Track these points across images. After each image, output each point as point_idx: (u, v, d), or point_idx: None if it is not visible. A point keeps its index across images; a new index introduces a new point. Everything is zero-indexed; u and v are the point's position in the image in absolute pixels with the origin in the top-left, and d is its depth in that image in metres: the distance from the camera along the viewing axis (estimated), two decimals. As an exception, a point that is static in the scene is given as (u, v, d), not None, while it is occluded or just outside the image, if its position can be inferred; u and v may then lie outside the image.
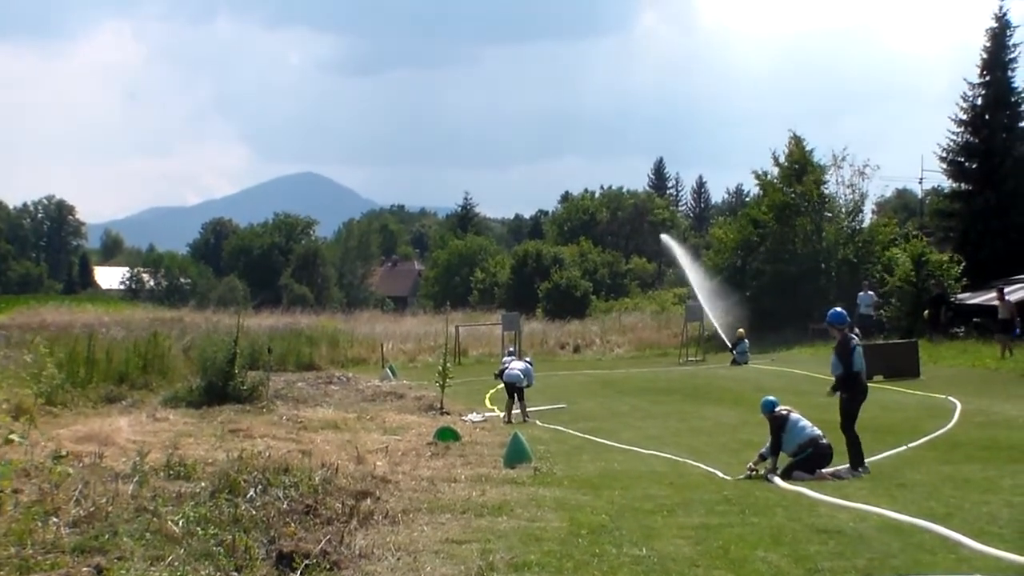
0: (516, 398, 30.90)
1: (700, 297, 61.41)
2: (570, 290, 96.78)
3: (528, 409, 31.83)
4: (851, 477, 19.03)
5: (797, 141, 67.98)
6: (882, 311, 55.44)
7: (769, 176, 68.67)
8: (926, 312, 53.19)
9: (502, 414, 31.25)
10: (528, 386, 31.47)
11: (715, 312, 60.11)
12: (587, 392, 39.49)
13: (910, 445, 22.46)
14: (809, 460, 19.16)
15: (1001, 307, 45.40)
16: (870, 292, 54.23)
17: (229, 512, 13.46)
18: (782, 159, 68.12)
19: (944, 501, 15.59)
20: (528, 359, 35.11)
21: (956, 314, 53.89)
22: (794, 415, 19.87)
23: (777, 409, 20.02)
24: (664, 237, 76.80)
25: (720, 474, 19.75)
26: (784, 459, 19.44)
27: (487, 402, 35.05)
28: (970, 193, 72.71)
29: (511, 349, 50.85)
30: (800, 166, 66.38)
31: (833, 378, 20.87)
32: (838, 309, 21.36)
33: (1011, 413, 27.53)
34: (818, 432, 19.67)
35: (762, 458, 19.55)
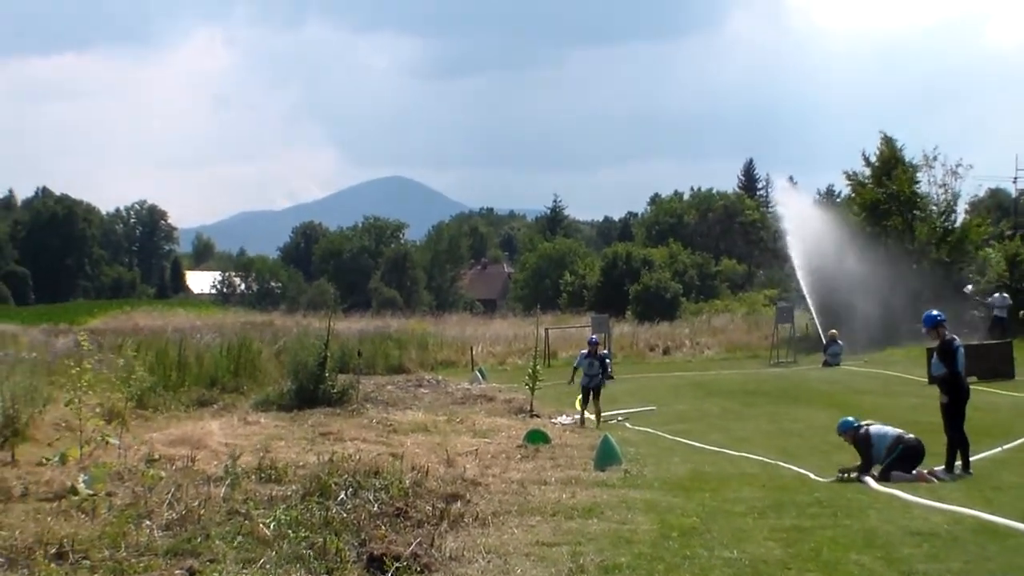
0: (592, 398, 30.93)
1: (803, 284, 61.42)
2: (660, 292, 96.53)
3: (619, 412, 31.80)
4: (947, 478, 18.82)
5: (888, 141, 67.34)
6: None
7: (860, 176, 68.12)
8: (1021, 312, 52.72)
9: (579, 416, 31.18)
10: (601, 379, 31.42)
11: (814, 303, 60.11)
12: (677, 394, 39.35)
13: (1005, 447, 22.16)
14: (903, 459, 18.94)
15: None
16: (1004, 295, 53.66)
17: (320, 515, 13.53)
18: (873, 159, 67.53)
19: (1040, 503, 15.41)
20: (605, 352, 35.04)
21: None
22: (874, 427, 19.69)
23: (858, 426, 19.84)
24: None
25: (812, 476, 19.60)
26: (877, 467, 19.26)
27: (577, 405, 34.93)
28: (1066, 192, 72.00)
29: (606, 352, 50.97)
30: (891, 165, 65.76)
31: (929, 380, 20.70)
32: (932, 312, 21.10)
33: (1108, 415, 27.20)
34: (900, 431, 19.50)
35: (860, 479, 19.25)
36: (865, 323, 59.09)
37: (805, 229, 65.48)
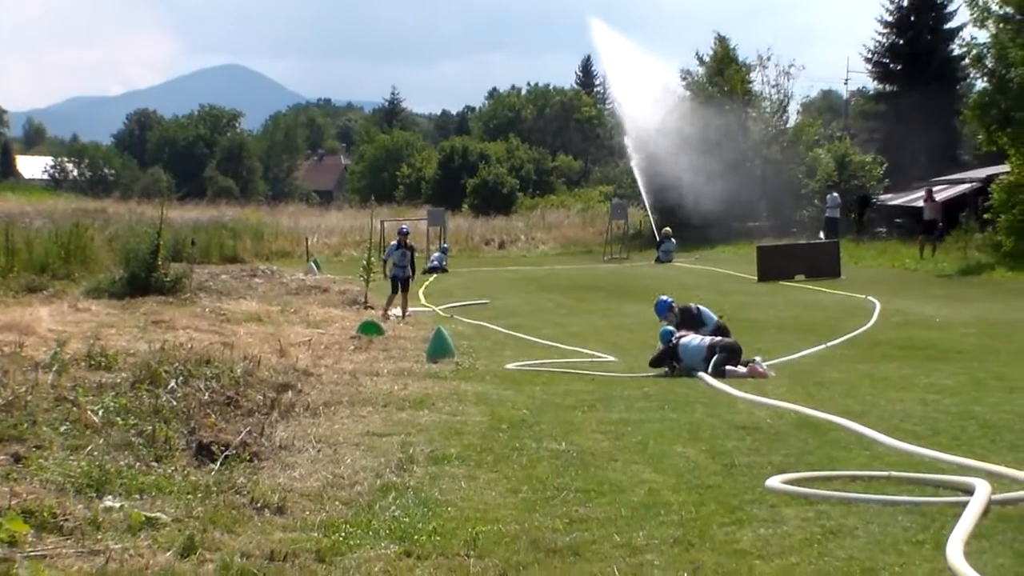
0: (400, 290, 30.45)
1: (638, 176, 62.02)
2: (496, 186, 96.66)
3: (453, 305, 31.89)
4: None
5: (722, 41, 67.91)
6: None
7: (695, 76, 68.67)
8: (852, 214, 53.76)
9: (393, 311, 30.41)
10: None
11: (649, 199, 60.73)
12: (511, 288, 39.58)
13: (829, 344, 22.61)
14: (723, 356, 19.12)
15: (928, 207, 45.89)
16: (835, 194, 54.46)
17: (150, 403, 13.42)
18: (706, 58, 68.05)
19: (860, 399, 15.78)
20: (445, 245, 34.73)
21: (878, 215, 54.50)
22: (684, 340, 19.81)
23: (672, 338, 19.96)
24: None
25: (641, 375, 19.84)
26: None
27: (421, 297, 34.92)
28: (895, 95, 73.25)
29: (445, 246, 51.01)
30: (724, 65, 66.34)
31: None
32: (665, 327, 21.01)
33: (927, 313, 27.89)
34: (709, 339, 19.72)
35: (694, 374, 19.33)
36: (698, 221, 59.83)
37: (641, 125, 65.96)
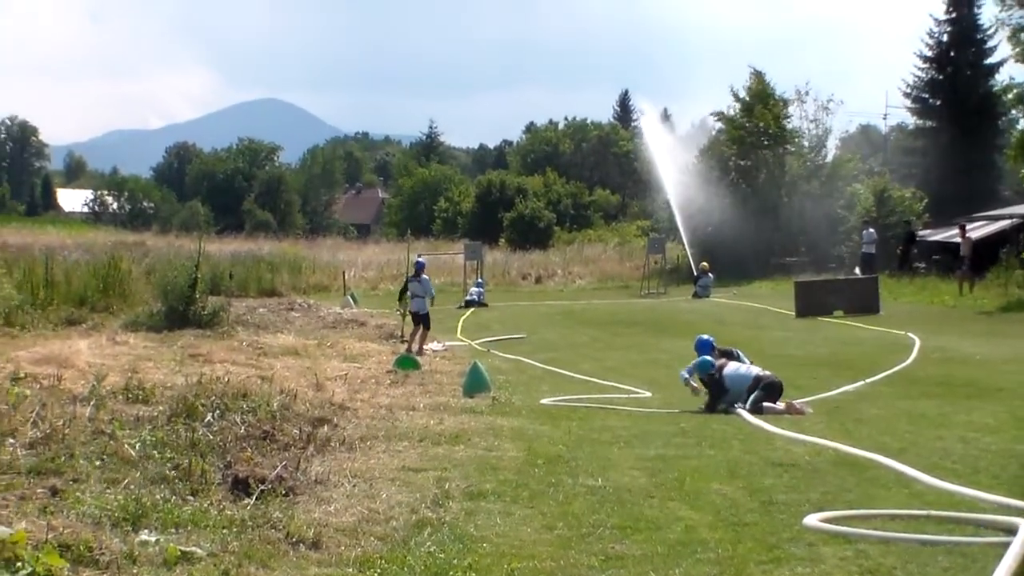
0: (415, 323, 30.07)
1: (676, 215, 62.00)
2: (533, 221, 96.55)
3: (489, 339, 31.87)
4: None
5: (758, 76, 67.77)
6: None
7: (730, 111, 68.57)
8: (899, 249, 53.62)
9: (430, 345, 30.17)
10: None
11: (687, 234, 60.64)
12: (548, 323, 39.54)
13: (868, 380, 22.51)
14: (765, 393, 19.02)
15: (963, 244, 45.69)
16: (871, 230, 54.31)
17: (186, 436, 13.45)
18: (742, 94, 67.90)
19: (899, 436, 15.66)
20: (480, 280, 34.47)
21: (918, 250, 54.31)
22: (728, 369, 19.72)
23: (712, 371, 19.83)
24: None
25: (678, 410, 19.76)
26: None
27: (458, 332, 34.90)
28: (934, 130, 73.01)
29: (480, 280, 51.01)
30: (761, 100, 66.17)
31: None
32: (706, 358, 20.71)
33: (967, 350, 27.69)
34: (757, 370, 19.61)
35: (730, 410, 19.21)
36: (735, 256, 59.72)
37: (676, 161, 66.01)
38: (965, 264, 44.73)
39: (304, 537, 9.95)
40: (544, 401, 20.34)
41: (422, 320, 29.90)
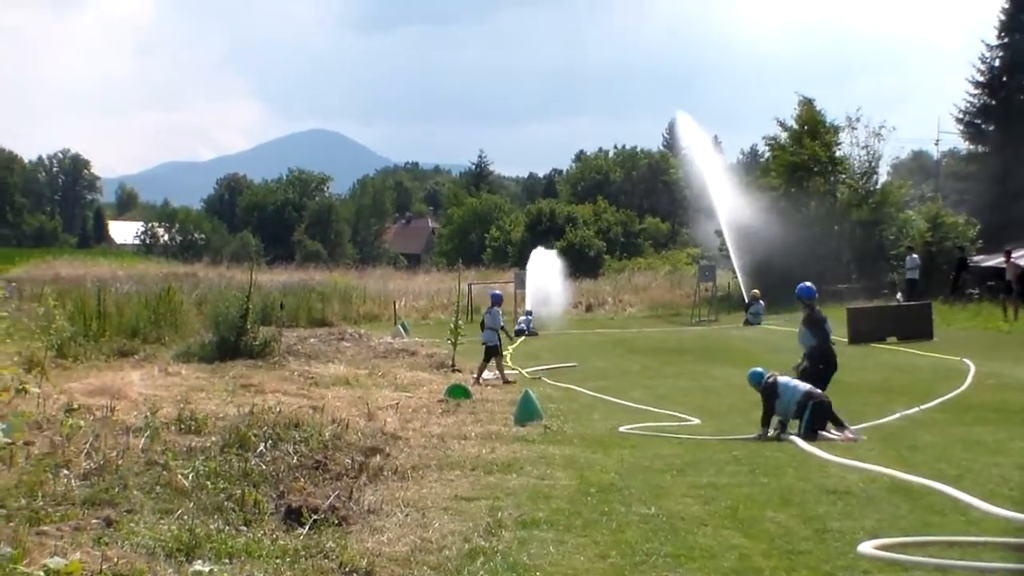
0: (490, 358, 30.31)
1: (728, 239, 61.82)
2: (583, 249, 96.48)
3: (540, 368, 31.84)
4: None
5: (808, 104, 67.48)
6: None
7: (779, 140, 68.32)
8: (951, 275, 53.33)
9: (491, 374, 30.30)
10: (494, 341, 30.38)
11: (738, 261, 60.40)
12: (599, 351, 39.48)
13: (922, 407, 22.35)
14: (816, 415, 18.94)
15: (1008, 269, 45.43)
16: (915, 256, 54.05)
17: (239, 467, 13.51)
18: (790, 123, 67.63)
19: (955, 463, 15.54)
20: (529, 309, 34.46)
21: (971, 276, 54.00)
22: (781, 378, 19.72)
23: (765, 378, 19.82)
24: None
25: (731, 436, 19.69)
26: (792, 424, 19.28)
27: (509, 360, 34.87)
28: (986, 155, 72.61)
29: (529, 309, 50.98)
30: (811, 128, 65.88)
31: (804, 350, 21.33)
32: (807, 284, 21.59)
33: (1023, 376, 27.47)
34: (809, 386, 19.55)
35: (781, 437, 19.20)
36: (786, 283, 59.47)
37: (728, 188, 65.79)
38: (1015, 290, 44.43)
39: (357, 567, 9.96)
40: (622, 429, 20.30)
41: (491, 351, 30.02)
